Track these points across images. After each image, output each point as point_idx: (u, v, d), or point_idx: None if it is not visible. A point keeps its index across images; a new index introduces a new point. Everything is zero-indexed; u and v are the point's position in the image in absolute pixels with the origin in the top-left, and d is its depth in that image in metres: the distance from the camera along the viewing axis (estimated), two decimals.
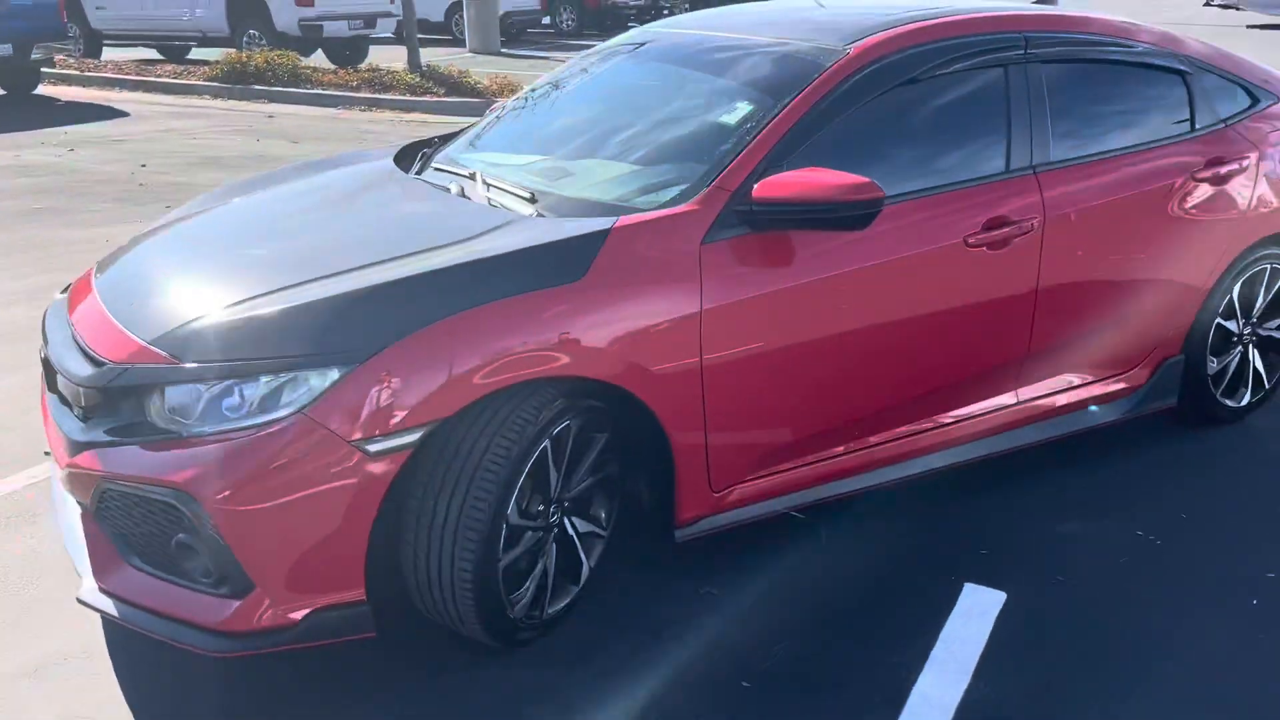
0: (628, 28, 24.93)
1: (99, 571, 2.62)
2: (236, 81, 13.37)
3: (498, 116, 4.02)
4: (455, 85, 13.16)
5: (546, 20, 23.44)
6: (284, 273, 2.74)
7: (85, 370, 2.65)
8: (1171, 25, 4.13)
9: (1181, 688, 2.60)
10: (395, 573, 2.62)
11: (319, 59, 15.40)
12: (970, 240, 3.14)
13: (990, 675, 2.66)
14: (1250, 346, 3.98)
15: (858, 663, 2.71)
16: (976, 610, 2.92)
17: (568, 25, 23.67)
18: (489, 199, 3.12)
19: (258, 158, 9.19)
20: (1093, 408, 3.66)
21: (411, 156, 3.83)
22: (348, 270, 2.67)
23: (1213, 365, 3.88)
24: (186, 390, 2.49)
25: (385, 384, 2.41)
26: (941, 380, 3.27)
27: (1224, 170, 3.69)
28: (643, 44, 3.80)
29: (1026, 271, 3.29)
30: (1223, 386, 3.94)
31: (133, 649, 2.79)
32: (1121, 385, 3.70)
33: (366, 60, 15.63)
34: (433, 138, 4.10)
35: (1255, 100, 3.93)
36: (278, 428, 2.38)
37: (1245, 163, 3.75)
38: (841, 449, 3.14)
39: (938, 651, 2.75)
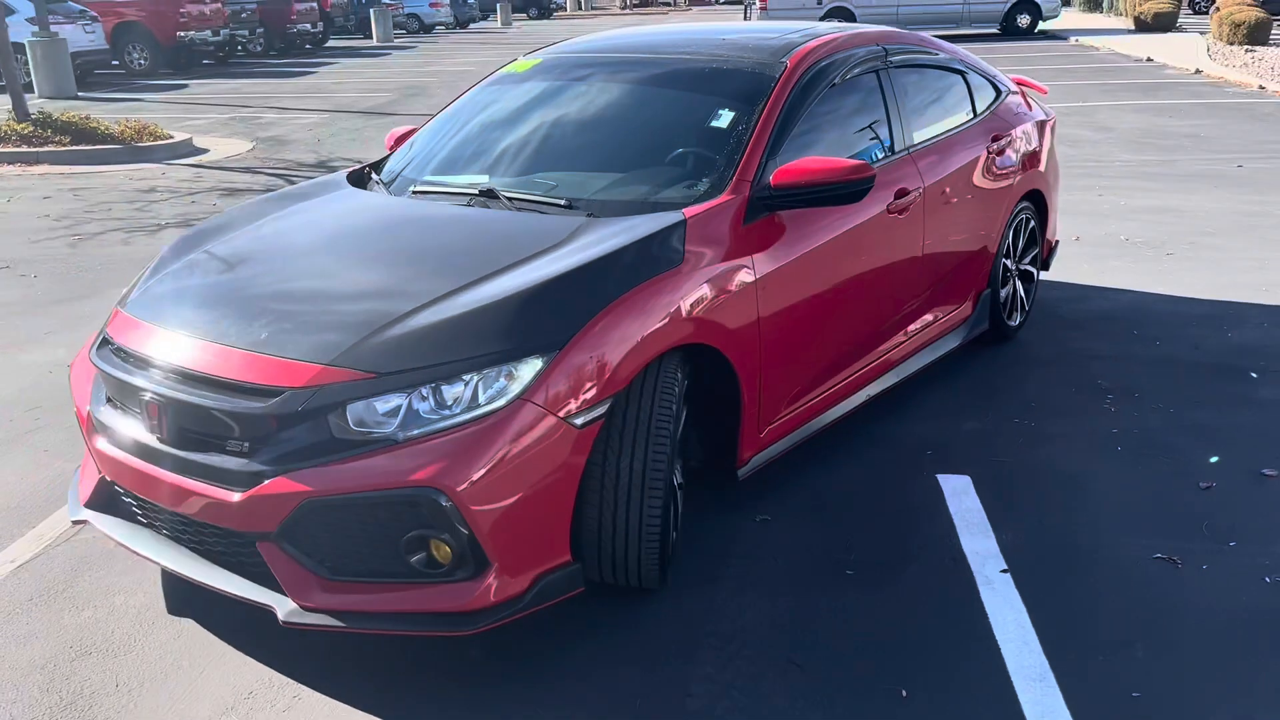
0: (204, 65, 23.84)
1: (296, 592, 2.69)
2: None
3: (410, 144, 4.28)
4: (81, 132, 12.14)
5: (115, 61, 21.74)
6: (417, 285, 2.96)
7: (250, 403, 2.70)
8: None
9: (1105, 485, 3.60)
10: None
11: None
12: (890, 208, 3.98)
13: (1002, 528, 3.49)
14: (1015, 278, 5.21)
15: (912, 544, 3.43)
16: (959, 490, 3.76)
17: (139, 65, 22.14)
18: (539, 210, 3.45)
19: None
20: (947, 336, 4.67)
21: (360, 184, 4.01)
22: (486, 277, 2.94)
23: (1003, 294, 5.06)
24: (382, 400, 2.66)
25: (580, 366, 2.76)
26: (884, 319, 4.10)
27: (999, 145, 4.86)
28: (568, 67, 4.24)
29: (917, 231, 4.19)
30: (1005, 311, 5.14)
31: (335, 673, 2.85)
32: (960, 315, 4.75)
33: None
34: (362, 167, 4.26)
35: (999, 91, 5.16)
36: (501, 416, 2.65)
37: (1008, 139, 4.95)
38: (829, 384, 3.84)
39: (956, 520, 3.55)
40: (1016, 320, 5.27)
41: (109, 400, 3.10)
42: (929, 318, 4.48)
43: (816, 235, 3.60)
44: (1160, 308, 5.72)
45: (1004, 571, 3.23)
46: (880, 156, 4.08)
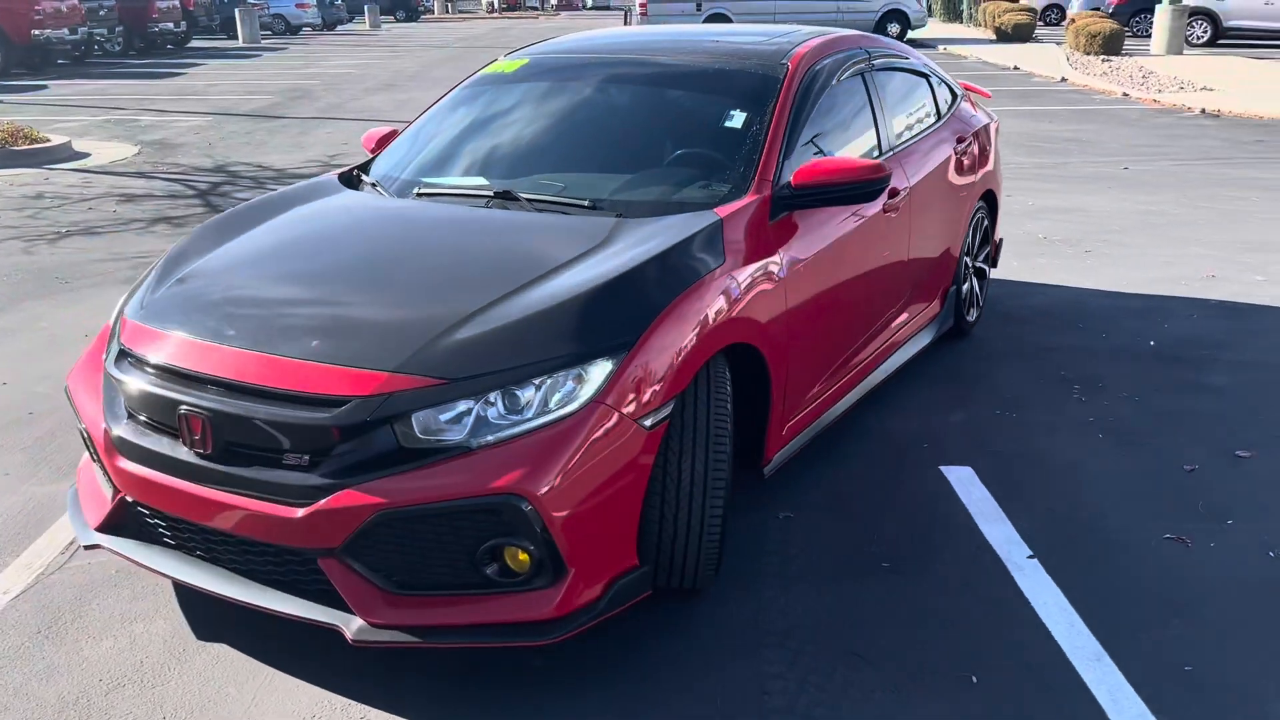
0: (59, 65, 22.59)
1: (363, 610, 2.59)
2: None
3: (397, 146, 4.16)
4: None
5: None
6: (466, 288, 2.88)
7: (311, 413, 2.58)
8: None
9: (1097, 471, 3.76)
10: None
11: None
12: (885, 207, 4.07)
13: (1016, 514, 3.61)
14: (972, 275, 5.40)
15: (935, 534, 3.52)
16: (965, 481, 3.87)
17: None
18: (562, 211, 3.39)
19: None
20: (920, 332, 4.80)
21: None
22: (538, 279, 2.89)
23: (963, 291, 5.23)
24: (451, 406, 2.59)
25: (646, 367, 2.73)
26: (877, 316, 4.19)
27: (963, 147, 5.02)
28: (561, 68, 4.19)
29: (904, 230, 4.30)
30: (964, 307, 5.31)
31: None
32: (931, 312, 4.88)
33: None
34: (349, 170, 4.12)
35: (954, 94, 5.34)
36: (576, 419, 2.60)
37: (968, 141, 5.12)
38: (835, 381, 3.90)
39: (971, 509, 3.65)
40: (973, 316, 5.45)
41: (130, 416, 2.91)
42: (907, 315, 4.59)
43: (826, 234, 3.66)
44: (1095, 302, 6.01)
45: (1030, 557, 3.34)
46: (875, 156, 4.17)
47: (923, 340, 4.77)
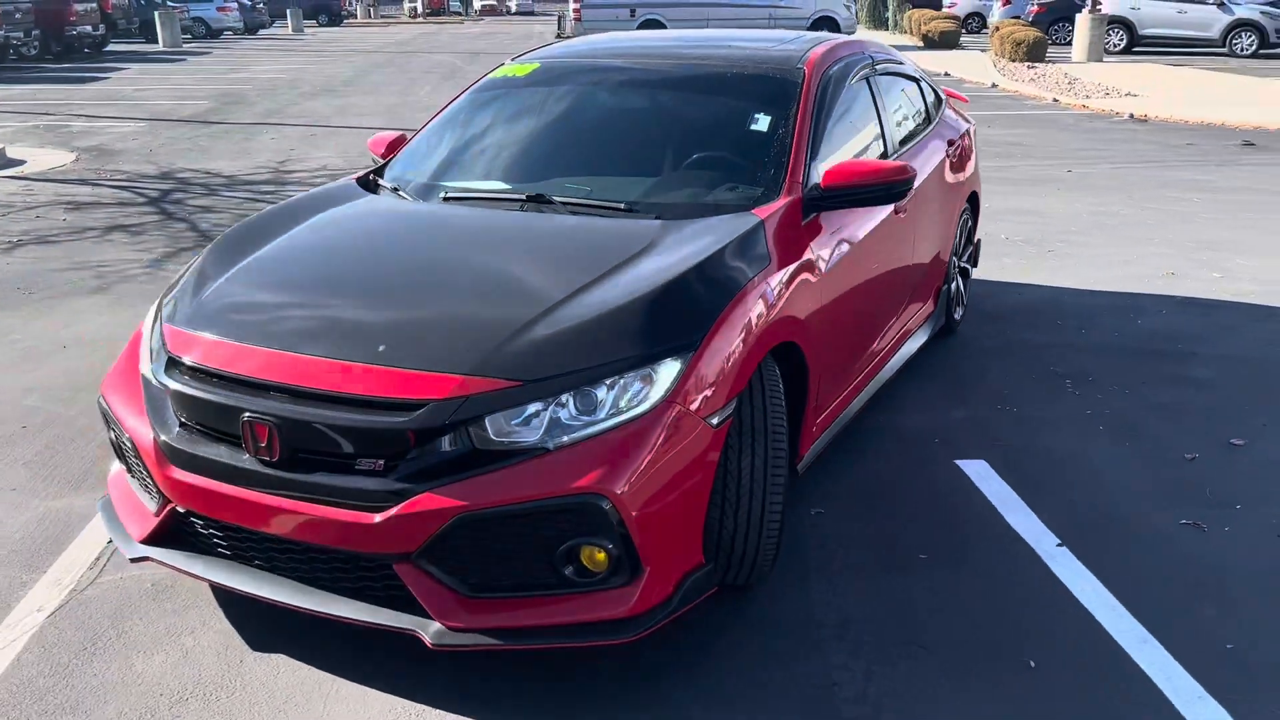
0: None
1: (441, 614, 2.58)
2: None
3: (413, 150, 4.14)
4: None
5: None
6: (524, 291, 2.89)
7: (387, 418, 2.57)
8: None
9: (1104, 462, 3.90)
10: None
11: None
12: (896, 208, 4.16)
13: (1037, 504, 3.72)
14: (958, 274, 5.53)
15: (964, 525, 3.61)
16: (982, 474, 3.97)
17: None
18: (600, 214, 3.41)
19: None
20: (917, 331, 4.91)
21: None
22: (595, 281, 2.90)
23: (952, 289, 5.36)
24: (524, 408, 2.59)
25: (711, 366, 2.77)
26: (889, 315, 4.28)
27: (953, 149, 5.15)
28: (575, 71, 4.20)
29: (911, 230, 4.40)
30: (952, 305, 5.44)
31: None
32: (927, 311, 5.00)
33: None
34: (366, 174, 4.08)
35: (940, 99, 5.47)
36: (649, 419, 2.62)
37: (957, 144, 5.26)
38: (854, 378, 3.97)
39: (993, 501, 3.75)
40: (959, 314, 5.59)
41: (182, 424, 2.85)
42: (909, 313, 4.69)
43: (846, 234, 3.73)
44: (1069, 300, 6.20)
45: (1059, 545, 3.45)
46: (882, 158, 4.26)
47: (921, 338, 4.88)
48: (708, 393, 2.73)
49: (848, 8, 27.28)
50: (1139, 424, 4.43)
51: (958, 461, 4.08)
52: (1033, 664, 2.85)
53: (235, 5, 36.99)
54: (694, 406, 2.69)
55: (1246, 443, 4.23)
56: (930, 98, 5.26)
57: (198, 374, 2.83)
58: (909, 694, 2.73)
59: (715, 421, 2.75)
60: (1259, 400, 4.68)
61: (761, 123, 3.75)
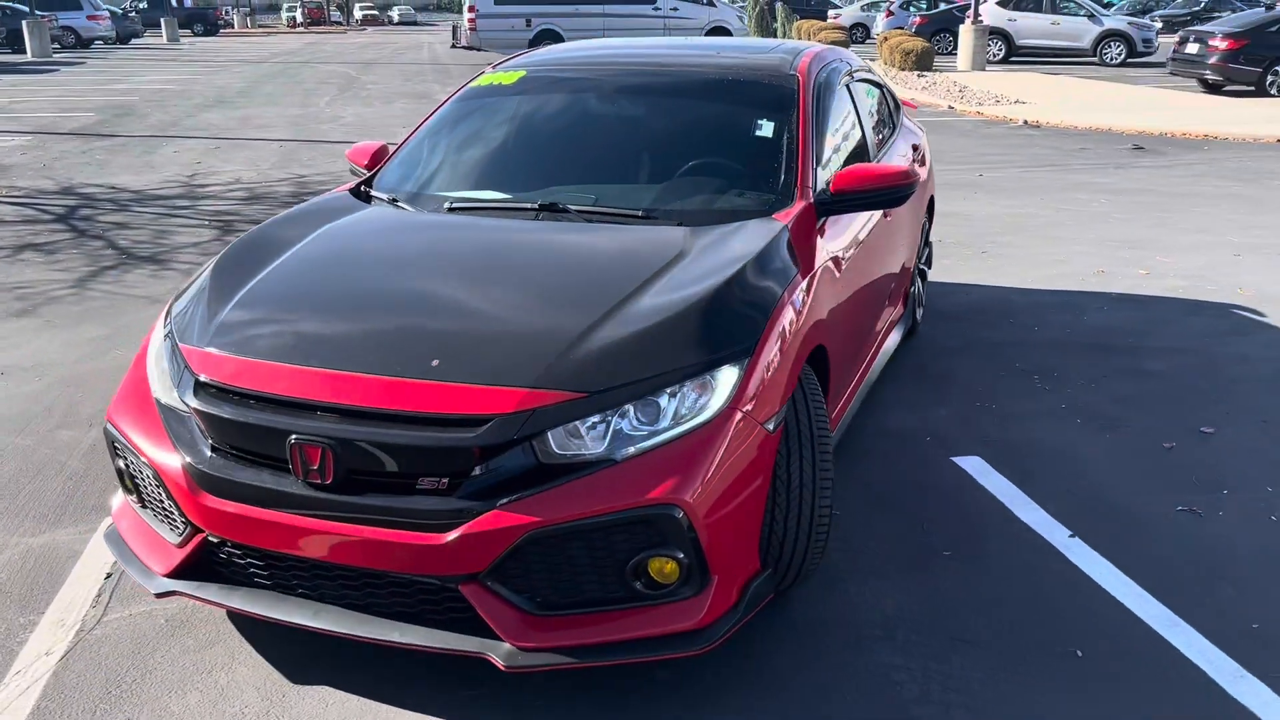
0: None
1: (511, 634, 2.51)
2: None
3: (404, 161, 4.02)
4: None
5: None
6: (568, 301, 2.85)
7: (451, 434, 2.49)
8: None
9: (1090, 453, 4.03)
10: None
11: None
12: (885, 212, 4.22)
13: (1040, 497, 3.82)
14: (918, 276, 5.66)
15: (976, 521, 3.68)
16: (980, 470, 4.06)
17: None
18: (619, 222, 3.37)
19: None
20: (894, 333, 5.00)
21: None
22: (639, 289, 2.86)
23: (915, 291, 5.48)
24: (587, 420, 2.54)
25: (764, 371, 2.76)
26: (878, 316, 4.34)
27: (917, 155, 5.27)
28: (563, 79, 4.15)
29: (895, 233, 4.48)
30: (915, 306, 5.56)
31: None
32: (899, 312, 5.10)
33: None
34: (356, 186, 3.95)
35: (898, 105, 5.59)
36: (713, 426, 2.60)
37: (920, 149, 5.38)
38: (853, 381, 4.02)
39: (999, 498, 3.83)
40: (920, 314, 5.71)
41: (215, 449, 2.71)
42: (886, 315, 4.78)
43: (849, 237, 3.77)
44: (1015, 299, 6.40)
45: (1072, 536, 3.55)
46: (866, 162, 4.32)
47: (896, 338, 4.97)
48: (763, 397, 2.72)
49: (740, 18, 27.75)
50: (1111, 415, 4.59)
51: (954, 459, 4.15)
52: (1079, 653, 2.92)
53: (106, 14, 35.55)
54: (752, 411, 2.68)
55: (1215, 430, 4.42)
56: (892, 104, 5.37)
57: (232, 396, 2.69)
58: (969, 689, 2.77)
59: (771, 426, 2.74)
60: (1214, 390, 4.90)
61: (766, 128, 3.77)
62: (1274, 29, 17.84)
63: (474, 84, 4.32)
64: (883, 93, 5.25)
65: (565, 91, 4.11)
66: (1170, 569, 3.35)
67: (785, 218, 3.36)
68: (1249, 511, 3.73)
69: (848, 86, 4.46)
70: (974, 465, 4.09)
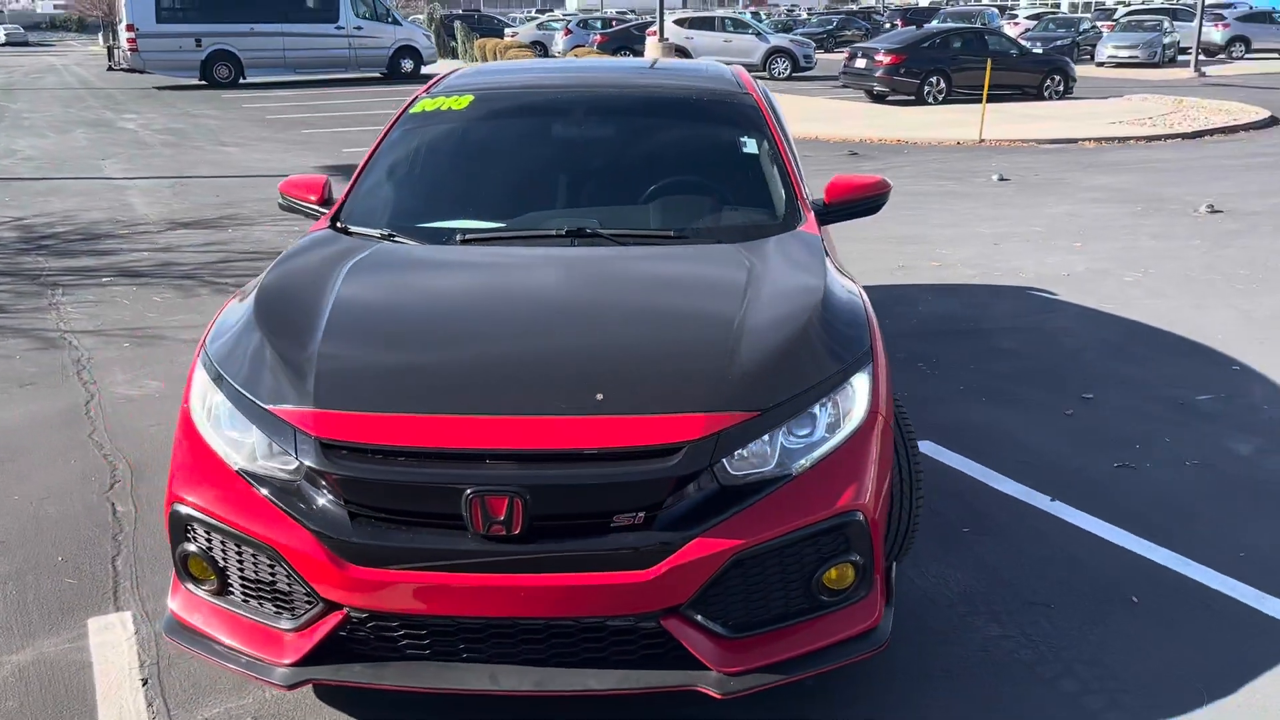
0: None
1: (714, 661, 2.49)
2: None
3: (371, 194, 3.76)
4: None
5: None
6: (688, 322, 2.86)
7: (646, 466, 2.42)
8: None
9: (1012, 424, 4.50)
10: None
11: None
12: None
13: (1004, 470, 4.19)
14: None
15: (967, 496, 3.98)
16: (938, 452, 4.38)
17: None
18: (652, 242, 3.36)
19: None
20: None
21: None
22: (746, 305, 2.89)
23: None
24: (760, 438, 2.57)
25: (881, 373, 2.89)
26: None
27: None
28: (520, 103, 4.04)
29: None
30: None
31: None
32: None
33: None
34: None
35: None
36: (864, 431, 2.70)
37: None
38: None
39: (968, 473, 4.17)
40: None
41: (354, 516, 2.43)
42: None
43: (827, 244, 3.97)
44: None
45: (1054, 501, 3.93)
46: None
47: None
48: (885, 398, 2.84)
49: (427, 37, 27.45)
50: (1006, 391, 5.10)
51: (925, 441, 4.45)
52: (1135, 599, 3.27)
53: None
54: (883, 412, 2.79)
55: (1095, 395, 5.03)
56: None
57: (374, 455, 2.43)
58: (1072, 645, 3.03)
59: (893, 423, 2.87)
60: (1067, 360, 5.56)
61: (750, 145, 3.89)
62: (927, 45, 20.17)
63: (414, 110, 4.07)
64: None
65: (534, 115, 4.01)
66: (1150, 516, 3.81)
67: (812, 229, 3.49)
68: (1166, 460, 4.30)
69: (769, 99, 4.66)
70: (929, 448, 4.41)
